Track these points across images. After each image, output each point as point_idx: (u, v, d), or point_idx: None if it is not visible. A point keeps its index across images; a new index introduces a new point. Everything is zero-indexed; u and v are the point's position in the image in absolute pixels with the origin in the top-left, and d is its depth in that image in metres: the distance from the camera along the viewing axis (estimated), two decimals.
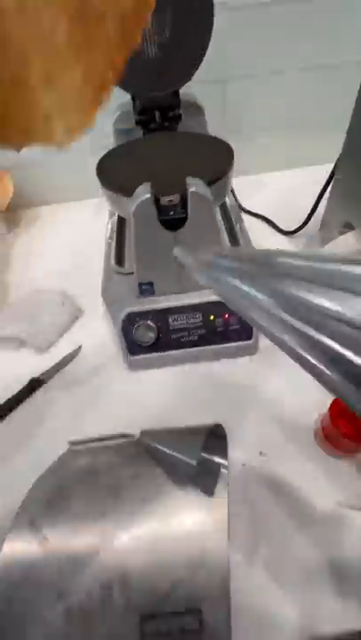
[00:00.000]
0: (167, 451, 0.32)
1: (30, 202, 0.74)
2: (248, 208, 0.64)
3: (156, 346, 0.43)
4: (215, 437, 0.34)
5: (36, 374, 0.44)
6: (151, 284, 0.42)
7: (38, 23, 0.11)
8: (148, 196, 0.34)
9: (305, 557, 0.30)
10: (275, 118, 0.67)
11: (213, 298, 0.42)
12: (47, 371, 0.45)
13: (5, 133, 0.13)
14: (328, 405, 0.34)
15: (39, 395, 0.43)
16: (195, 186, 0.34)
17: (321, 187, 0.52)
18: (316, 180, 0.52)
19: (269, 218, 0.62)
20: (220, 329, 0.43)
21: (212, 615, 0.26)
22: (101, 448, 0.35)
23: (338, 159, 0.48)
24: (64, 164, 0.68)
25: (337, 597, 0.28)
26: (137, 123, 0.52)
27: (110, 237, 0.52)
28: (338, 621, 0.27)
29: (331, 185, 0.51)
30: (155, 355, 0.43)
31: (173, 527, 0.30)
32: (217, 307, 0.42)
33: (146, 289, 0.42)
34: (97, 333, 0.49)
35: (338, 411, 0.34)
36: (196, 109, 0.54)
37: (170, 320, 0.42)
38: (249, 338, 0.43)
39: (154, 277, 0.41)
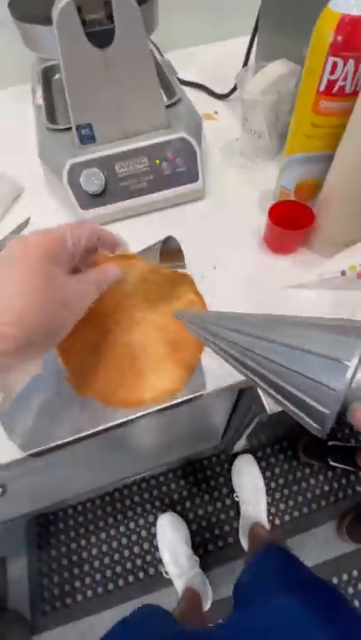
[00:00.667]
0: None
1: None
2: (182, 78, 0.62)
3: (106, 196, 0.43)
4: (169, 252, 0.37)
5: None
6: (90, 127, 0.40)
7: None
8: (69, 0, 0.32)
9: None
10: None
11: (157, 140, 0.42)
12: None
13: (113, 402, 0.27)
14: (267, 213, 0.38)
15: None
16: None
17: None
18: (238, 50, 0.52)
19: (203, 84, 0.61)
20: (167, 172, 0.43)
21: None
22: None
23: (259, 12, 0.48)
24: None
25: None
26: None
27: (38, 100, 0.48)
28: None
29: (256, 39, 0.51)
30: (105, 207, 0.43)
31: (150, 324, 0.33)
32: (162, 148, 0.42)
33: (86, 134, 0.41)
34: (43, 205, 0.47)
35: (275, 215, 0.38)
36: None
37: (116, 168, 0.42)
38: (196, 179, 0.44)
39: (92, 117, 0.39)
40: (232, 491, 1.05)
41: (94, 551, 1.02)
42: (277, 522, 1.03)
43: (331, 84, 0.30)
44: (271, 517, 1.03)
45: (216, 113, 0.57)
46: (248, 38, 0.51)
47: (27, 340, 0.19)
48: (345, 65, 0.28)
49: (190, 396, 0.30)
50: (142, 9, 0.36)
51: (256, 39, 0.51)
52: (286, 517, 1.03)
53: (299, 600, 0.39)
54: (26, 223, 0.46)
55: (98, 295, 0.23)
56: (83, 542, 1.03)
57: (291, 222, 0.39)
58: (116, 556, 1.01)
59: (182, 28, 0.68)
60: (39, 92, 0.49)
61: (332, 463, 1.01)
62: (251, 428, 0.55)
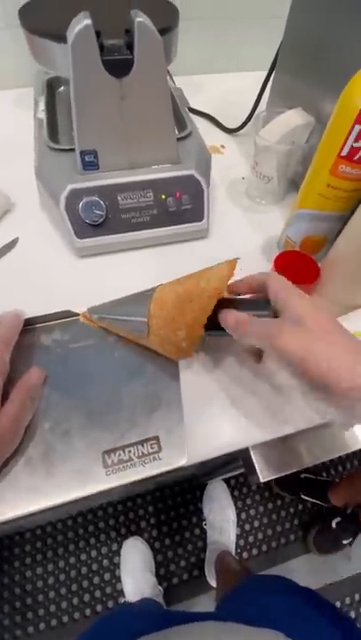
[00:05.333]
0: (117, 317, 0.32)
1: None
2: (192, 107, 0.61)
3: (105, 227, 0.40)
4: None
5: None
6: (95, 154, 0.38)
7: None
8: (88, 22, 0.29)
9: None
10: (218, 8, 0.62)
11: (165, 174, 0.40)
12: None
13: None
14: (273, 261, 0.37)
15: None
16: (142, 17, 0.30)
17: (260, 85, 0.51)
18: (254, 83, 0.52)
19: (213, 116, 0.60)
20: (172, 209, 0.41)
21: (169, 439, 0.28)
22: (47, 327, 0.33)
23: (277, 52, 0.48)
24: None
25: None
26: None
27: (40, 114, 0.45)
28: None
29: (271, 78, 0.51)
30: (103, 238, 0.40)
31: (130, 380, 0.31)
32: (169, 184, 0.40)
33: (89, 161, 0.38)
34: (34, 226, 0.44)
35: (281, 264, 0.36)
36: None
37: (119, 198, 0.39)
38: (201, 218, 0.42)
39: (98, 144, 0.37)
40: (201, 519, 1.02)
41: (51, 580, 0.95)
42: (245, 555, 1.01)
43: (354, 150, 0.29)
44: (239, 550, 1.01)
45: (223, 147, 0.56)
46: (261, 74, 0.50)
47: None
48: None
49: (168, 469, 0.28)
50: (163, 40, 0.35)
51: (272, 78, 0.51)
52: (254, 551, 1.02)
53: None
54: (13, 244, 0.42)
55: (34, 407, 0.28)
56: (39, 570, 0.96)
57: (294, 274, 0.38)
58: (74, 587, 0.95)
59: (195, 54, 0.68)
60: (42, 105, 0.46)
61: (303, 497, 1.01)
62: (231, 474, 0.53)
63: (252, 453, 0.34)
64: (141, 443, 0.28)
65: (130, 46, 0.32)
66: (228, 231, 0.46)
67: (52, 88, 0.51)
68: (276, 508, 1.06)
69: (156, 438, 0.28)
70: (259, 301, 0.28)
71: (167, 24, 0.37)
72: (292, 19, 0.43)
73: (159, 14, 0.39)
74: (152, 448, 0.28)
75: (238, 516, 1.04)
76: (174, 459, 0.28)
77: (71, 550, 0.98)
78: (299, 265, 0.38)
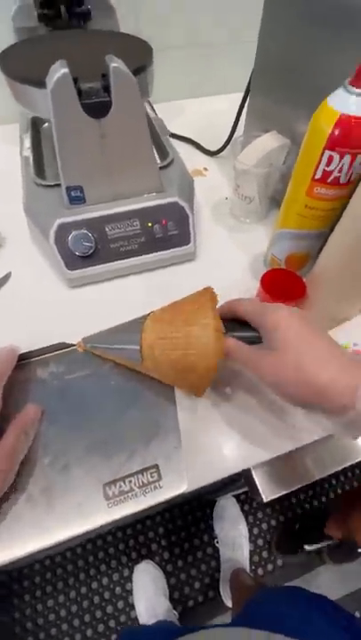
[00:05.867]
0: (110, 346, 0.32)
1: None
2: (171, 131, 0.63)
3: (95, 258, 0.41)
4: None
5: None
6: (81, 189, 0.39)
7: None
8: (65, 71, 0.31)
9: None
10: (190, 36, 0.65)
11: (150, 203, 0.42)
12: None
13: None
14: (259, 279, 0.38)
15: None
16: (116, 62, 0.32)
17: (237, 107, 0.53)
18: (229, 107, 0.54)
19: (194, 140, 0.62)
20: (159, 235, 0.42)
21: (168, 466, 0.29)
22: (42, 360, 0.33)
23: (251, 75, 0.50)
24: None
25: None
26: (40, 19, 0.46)
27: (26, 152, 0.46)
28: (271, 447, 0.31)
29: (247, 102, 0.53)
30: (94, 268, 0.41)
31: (128, 409, 0.31)
32: (154, 212, 0.42)
33: (76, 196, 0.39)
34: (26, 260, 0.45)
35: (268, 283, 0.37)
36: (107, 9, 0.49)
37: (107, 229, 0.41)
38: (187, 242, 0.44)
39: (83, 180, 0.38)
40: (213, 537, 1.01)
41: (63, 612, 0.93)
42: (260, 572, 0.99)
43: (326, 174, 0.30)
44: (254, 567, 0.99)
45: (206, 169, 0.58)
46: (240, 95, 0.53)
47: None
48: (341, 159, 0.29)
49: (168, 497, 0.28)
50: (139, 79, 0.36)
51: (248, 102, 0.53)
52: (270, 567, 0.99)
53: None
54: (6, 279, 0.43)
55: (29, 442, 0.28)
56: (50, 602, 0.94)
57: (282, 291, 0.39)
58: (87, 617, 0.92)
59: (175, 80, 0.70)
60: (27, 143, 0.48)
61: (307, 548, 0.93)
62: (239, 491, 0.52)
63: (253, 473, 0.34)
64: (141, 472, 0.28)
65: (107, 89, 0.33)
66: (216, 252, 0.47)
67: (36, 125, 0.53)
68: (288, 519, 1.05)
69: (156, 467, 0.28)
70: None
71: (142, 63, 0.39)
72: (262, 42, 0.45)
73: (134, 54, 0.41)
74: (152, 477, 0.28)
75: (250, 531, 1.02)
76: (175, 486, 0.28)
77: (82, 579, 0.96)
78: (285, 282, 0.38)
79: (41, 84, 0.35)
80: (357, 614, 0.90)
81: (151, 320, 0.29)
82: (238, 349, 0.26)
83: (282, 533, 1.01)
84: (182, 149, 0.61)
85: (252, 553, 0.99)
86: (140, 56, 0.40)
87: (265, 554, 1.01)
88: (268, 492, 0.33)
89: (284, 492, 0.33)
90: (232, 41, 0.68)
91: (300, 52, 0.39)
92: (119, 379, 0.32)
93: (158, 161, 0.46)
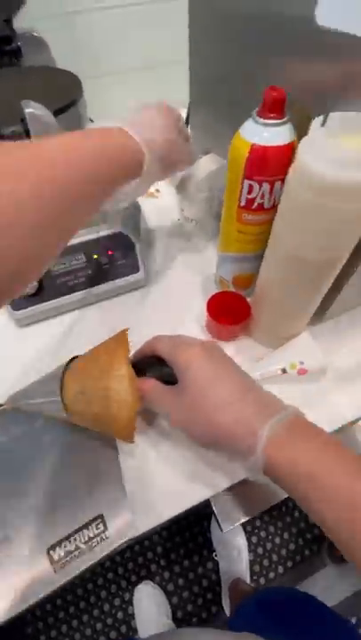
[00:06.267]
0: (34, 401, 0.31)
1: None
2: None
3: (41, 295, 0.41)
4: None
5: None
6: None
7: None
8: None
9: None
10: (132, 58, 0.66)
11: (92, 236, 0.41)
12: None
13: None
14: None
15: None
16: (32, 108, 0.32)
17: None
18: None
19: None
20: (106, 266, 0.42)
21: (113, 514, 0.28)
22: None
23: (189, 95, 0.50)
24: None
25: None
26: None
27: None
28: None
29: (189, 121, 0.54)
30: (41, 305, 0.41)
31: (66, 461, 0.30)
32: (98, 244, 0.42)
33: None
34: None
35: (213, 308, 0.37)
36: (38, 44, 0.50)
37: (51, 266, 0.40)
38: (136, 270, 0.43)
39: None
40: (212, 551, 0.99)
41: None
42: (262, 581, 0.98)
43: (250, 201, 0.30)
44: (255, 577, 0.98)
45: (158, 191, 0.58)
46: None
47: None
48: (260, 187, 0.29)
49: (116, 545, 0.27)
50: (69, 114, 0.37)
51: (190, 120, 0.53)
52: (271, 575, 0.98)
53: None
54: None
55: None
56: (53, 633, 0.92)
57: (230, 313, 0.39)
58: None
59: (121, 102, 0.71)
60: None
61: None
62: None
63: (213, 505, 0.33)
64: (86, 526, 0.27)
65: (27, 132, 0.33)
66: (168, 276, 0.47)
67: None
68: (286, 525, 1.04)
69: (101, 517, 0.28)
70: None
71: (70, 99, 0.39)
72: (193, 60, 0.45)
73: (62, 91, 0.41)
74: (97, 528, 0.27)
75: (249, 540, 1.01)
76: (122, 533, 0.27)
77: (82, 608, 0.94)
78: (231, 304, 0.38)
79: None
80: (353, 620, 0.90)
81: (70, 374, 0.29)
82: (153, 391, 0.26)
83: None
84: None
85: (252, 562, 0.98)
86: (68, 91, 0.40)
87: (266, 562, 1.00)
88: (226, 522, 0.32)
89: (245, 520, 0.33)
90: (175, 59, 0.68)
91: (227, 69, 0.39)
92: (53, 433, 0.31)
93: None
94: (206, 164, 0.43)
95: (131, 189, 0.27)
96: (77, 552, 0.27)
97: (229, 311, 0.38)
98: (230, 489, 0.34)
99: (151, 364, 0.29)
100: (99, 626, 0.92)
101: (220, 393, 0.22)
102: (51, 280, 0.41)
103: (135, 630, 0.91)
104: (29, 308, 0.40)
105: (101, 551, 0.27)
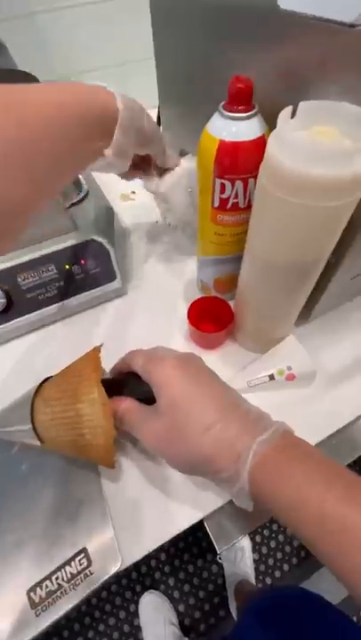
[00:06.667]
0: (7, 430, 0.28)
1: None
2: None
3: (10, 312, 0.38)
4: None
5: None
6: None
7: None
8: None
9: None
10: (101, 57, 0.64)
11: (63, 245, 0.39)
12: None
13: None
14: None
15: None
16: None
17: None
18: None
19: None
20: (80, 276, 0.40)
21: (97, 546, 0.26)
22: None
23: (158, 94, 0.48)
24: None
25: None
26: None
27: None
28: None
29: (161, 122, 0.52)
30: (12, 323, 0.38)
31: (45, 491, 0.28)
32: (70, 253, 0.39)
33: None
34: None
35: (194, 316, 0.35)
36: None
37: (19, 280, 0.38)
38: (113, 278, 0.41)
39: None
40: (216, 554, 0.98)
41: None
42: (268, 580, 0.97)
43: (224, 201, 0.29)
44: (261, 577, 0.97)
45: (134, 192, 0.56)
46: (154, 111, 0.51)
47: None
48: (233, 185, 0.27)
49: (102, 581, 0.25)
50: None
51: (161, 118, 0.51)
52: (277, 573, 0.97)
53: None
54: None
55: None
56: None
57: (213, 318, 0.37)
58: None
59: None
60: None
61: None
62: None
63: (206, 525, 0.31)
64: (69, 562, 0.25)
65: None
66: (148, 282, 0.45)
67: None
68: None
69: (84, 550, 0.26)
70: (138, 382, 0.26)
71: None
72: (158, 56, 0.44)
73: None
74: (81, 564, 0.25)
75: (253, 539, 1.00)
76: (107, 566, 0.25)
77: (87, 624, 0.92)
78: (214, 309, 0.37)
79: None
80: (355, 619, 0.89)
81: (40, 399, 0.26)
82: (127, 412, 0.24)
83: None
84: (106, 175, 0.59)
85: (257, 562, 0.97)
86: None
87: (271, 561, 0.99)
88: (221, 542, 0.30)
89: (239, 539, 0.31)
90: (144, 57, 0.66)
91: (193, 63, 0.37)
92: (30, 460, 0.29)
93: (73, 196, 0.44)
94: (184, 166, 0.41)
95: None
96: (60, 592, 0.25)
97: (213, 316, 0.36)
98: (223, 506, 0.32)
99: (128, 382, 0.27)
100: None
101: (199, 414, 0.20)
102: (20, 295, 0.38)
103: None
104: (0, 326, 0.38)
105: (86, 588, 0.25)
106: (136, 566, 0.97)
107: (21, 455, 0.30)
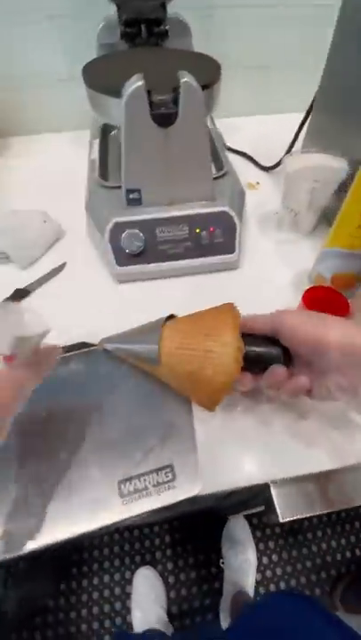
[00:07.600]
0: (128, 347, 0.32)
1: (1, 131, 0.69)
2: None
3: (143, 257, 0.43)
4: None
5: (21, 286, 0.43)
6: (139, 191, 0.41)
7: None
8: (141, 83, 0.34)
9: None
10: (253, 58, 0.67)
11: (201, 210, 0.43)
12: (32, 283, 0.44)
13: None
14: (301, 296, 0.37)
15: (23, 305, 0.42)
16: (187, 77, 0.34)
17: (295, 130, 0.54)
18: (285, 126, 0.55)
19: (250, 155, 0.63)
20: (206, 241, 0.44)
21: (182, 467, 0.29)
22: (64, 358, 0.33)
23: (315, 96, 0.50)
24: (35, 95, 0.65)
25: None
26: (122, 36, 0.50)
27: (94, 155, 0.50)
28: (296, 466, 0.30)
29: (308, 122, 0.54)
30: (141, 266, 0.43)
31: (144, 408, 0.32)
32: (204, 219, 0.43)
33: (133, 198, 0.42)
34: (81, 253, 0.48)
35: (309, 299, 0.37)
36: (183, 29, 0.53)
37: (157, 231, 0.43)
38: (232, 251, 0.44)
39: (142, 183, 0.41)
40: (219, 557, 0.97)
41: (62, 601, 0.94)
42: (263, 592, 0.94)
43: None
44: (261, 589, 0.94)
45: (258, 183, 0.59)
46: (299, 116, 0.53)
47: None
48: None
49: (182, 498, 0.28)
50: (206, 93, 0.39)
51: (308, 121, 0.54)
52: (272, 587, 0.94)
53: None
54: (61, 268, 0.46)
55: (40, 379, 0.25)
56: (49, 590, 0.95)
57: (323, 309, 0.38)
58: (84, 612, 0.93)
59: (238, 98, 0.73)
60: (96, 147, 0.52)
61: None
62: (254, 511, 0.51)
63: (272, 491, 0.33)
64: (156, 471, 0.28)
65: (176, 101, 0.36)
66: (259, 264, 0.47)
67: (105, 132, 0.57)
68: (301, 556, 0.99)
69: (170, 466, 0.29)
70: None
71: (210, 80, 0.41)
72: (331, 63, 0.46)
73: (204, 72, 0.43)
74: (166, 476, 0.28)
75: (259, 559, 0.97)
76: (188, 487, 0.28)
77: (84, 572, 0.97)
78: (327, 300, 0.38)
79: (117, 93, 0.38)
80: None
81: (171, 328, 0.29)
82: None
83: (350, 583, 0.90)
84: (237, 163, 0.63)
85: (257, 583, 0.95)
86: (209, 73, 0.42)
87: (272, 587, 0.95)
88: (286, 512, 0.32)
89: (303, 516, 0.32)
90: (290, 64, 0.69)
91: None
92: (137, 380, 0.32)
93: (214, 171, 0.48)
94: (320, 159, 0.43)
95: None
96: (145, 492, 0.28)
97: (325, 307, 0.37)
98: (289, 485, 0.33)
99: (248, 341, 0.28)
100: (95, 594, 0.94)
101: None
102: (154, 244, 0.43)
103: (128, 609, 0.92)
104: (131, 267, 0.43)
105: (168, 498, 0.28)
106: (141, 538, 1.00)
107: (130, 373, 0.34)
